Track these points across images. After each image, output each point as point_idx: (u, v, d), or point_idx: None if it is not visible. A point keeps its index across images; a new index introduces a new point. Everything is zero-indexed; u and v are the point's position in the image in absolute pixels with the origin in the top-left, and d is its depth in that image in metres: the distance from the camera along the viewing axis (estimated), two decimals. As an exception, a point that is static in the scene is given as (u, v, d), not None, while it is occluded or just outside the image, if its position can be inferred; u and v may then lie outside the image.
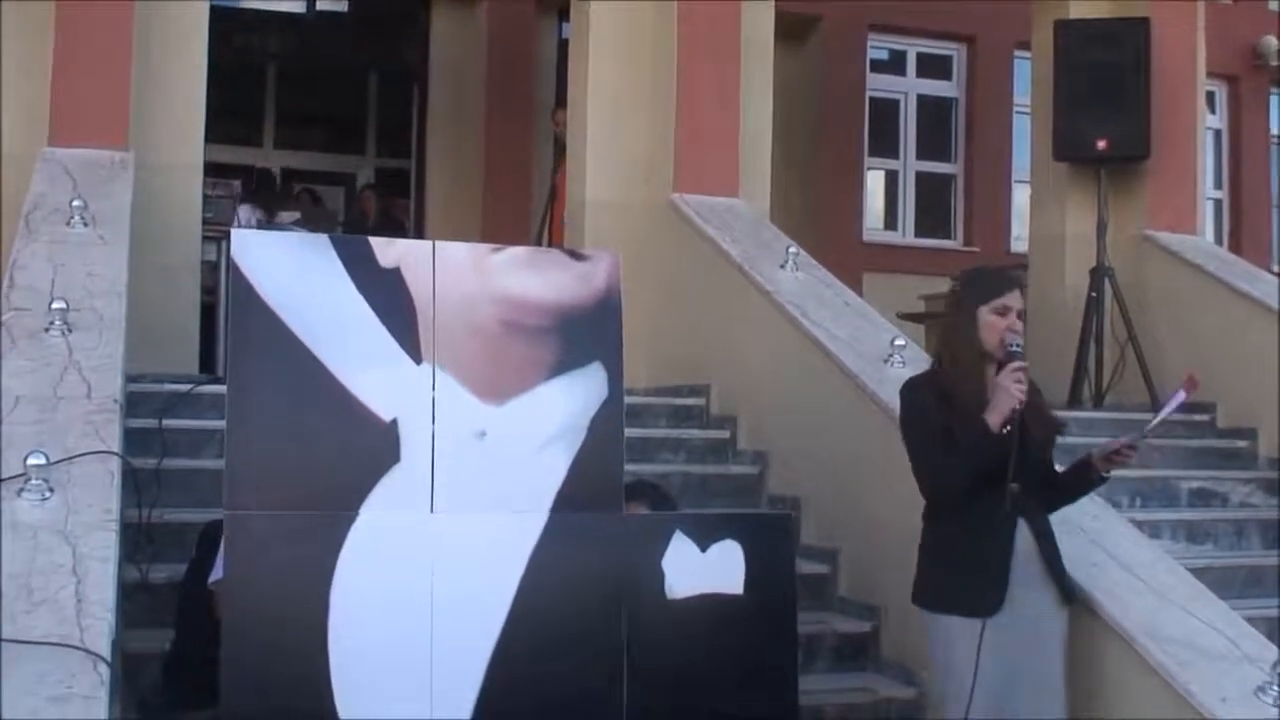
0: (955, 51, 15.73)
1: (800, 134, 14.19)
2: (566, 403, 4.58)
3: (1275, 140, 16.59)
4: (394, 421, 4.39)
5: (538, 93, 13.64)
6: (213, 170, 9.73)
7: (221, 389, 5.07)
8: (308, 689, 4.18)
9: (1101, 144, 9.57)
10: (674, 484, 6.86)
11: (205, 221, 8.65)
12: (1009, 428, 4.41)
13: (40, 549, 4.17)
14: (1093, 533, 5.19)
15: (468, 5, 14.03)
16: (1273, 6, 16.04)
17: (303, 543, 4.28)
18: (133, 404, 6.08)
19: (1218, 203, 16.02)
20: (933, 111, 15.78)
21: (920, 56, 15.78)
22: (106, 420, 4.91)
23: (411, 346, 4.46)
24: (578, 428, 4.58)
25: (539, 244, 9.98)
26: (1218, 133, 16.10)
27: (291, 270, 4.44)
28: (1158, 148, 9.63)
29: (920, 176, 15.68)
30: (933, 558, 4.63)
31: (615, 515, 4.64)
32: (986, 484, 4.36)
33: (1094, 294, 9.52)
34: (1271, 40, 15.88)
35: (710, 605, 4.68)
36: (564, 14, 11.92)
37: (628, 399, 4.99)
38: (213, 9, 8.42)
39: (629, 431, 4.92)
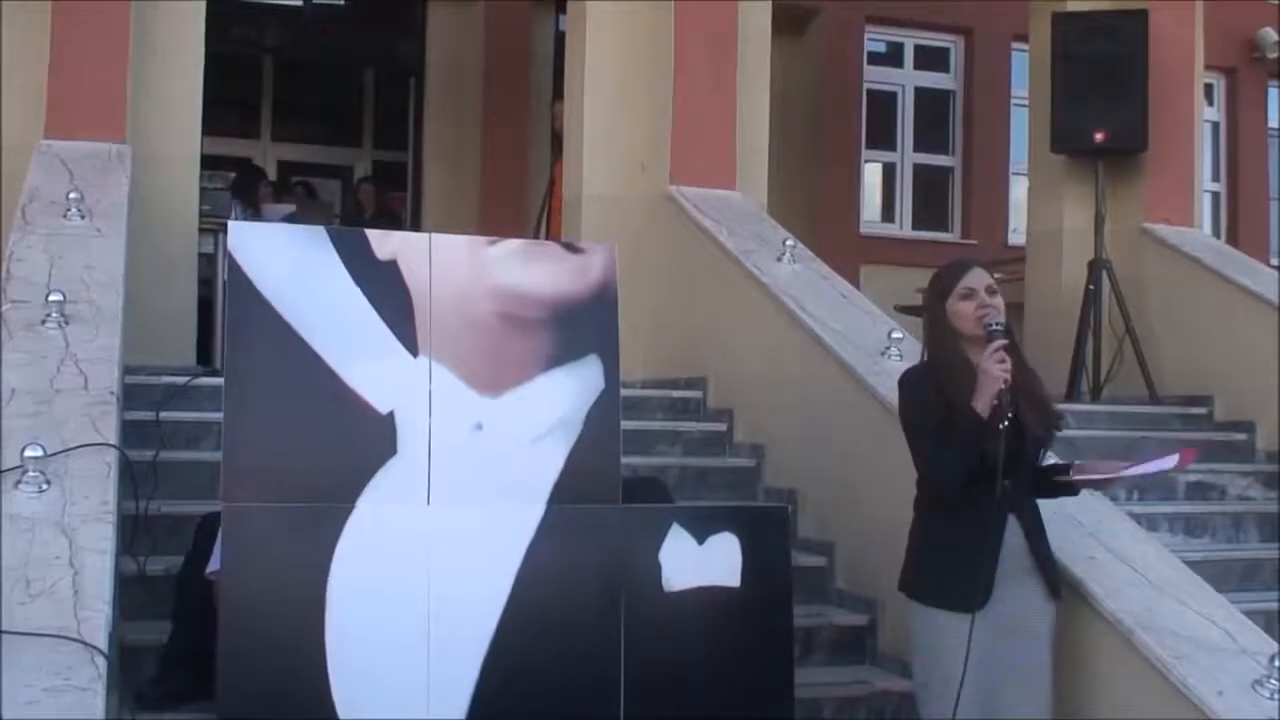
0: (953, 44, 15.72)
1: (798, 126, 14.18)
2: (563, 395, 4.59)
3: (1273, 133, 16.57)
4: (391, 414, 4.40)
5: (535, 85, 13.62)
6: (210, 163, 9.71)
7: (219, 381, 5.08)
8: (305, 680, 4.19)
9: (1099, 136, 9.56)
10: (671, 476, 6.86)
11: (202, 214, 8.63)
12: (1005, 422, 4.41)
13: (37, 541, 4.17)
14: (1090, 525, 5.19)
15: (465, -3, 14.04)
16: (1271, -1, 16.05)
17: (300, 535, 4.29)
18: (130, 396, 6.07)
19: (1215, 195, 16.01)
20: (930, 104, 15.76)
21: (918, 49, 15.76)
22: (103, 412, 4.90)
23: (408, 339, 4.47)
24: (574, 420, 4.59)
25: (536, 236, 9.97)
26: (1216, 125, 16.09)
27: (288, 263, 4.45)
28: (1156, 140, 9.63)
29: (918, 169, 15.66)
30: (921, 549, 4.62)
31: (612, 507, 4.64)
32: (983, 476, 4.35)
33: (1092, 287, 9.51)
34: (1270, 33, 15.86)
35: (707, 598, 4.69)
36: (561, 6, 11.92)
37: (624, 391, 4.99)
38: (210, 1, 8.40)
39: (626, 424, 4.92)
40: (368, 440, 4.38)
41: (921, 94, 15.73)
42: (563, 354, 4.62)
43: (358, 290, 4.47)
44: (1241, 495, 8.09)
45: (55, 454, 4.53)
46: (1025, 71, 10.95)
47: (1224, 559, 7.10)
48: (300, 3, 14.42)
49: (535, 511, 4.50)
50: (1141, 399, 9.14)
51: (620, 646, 4.52)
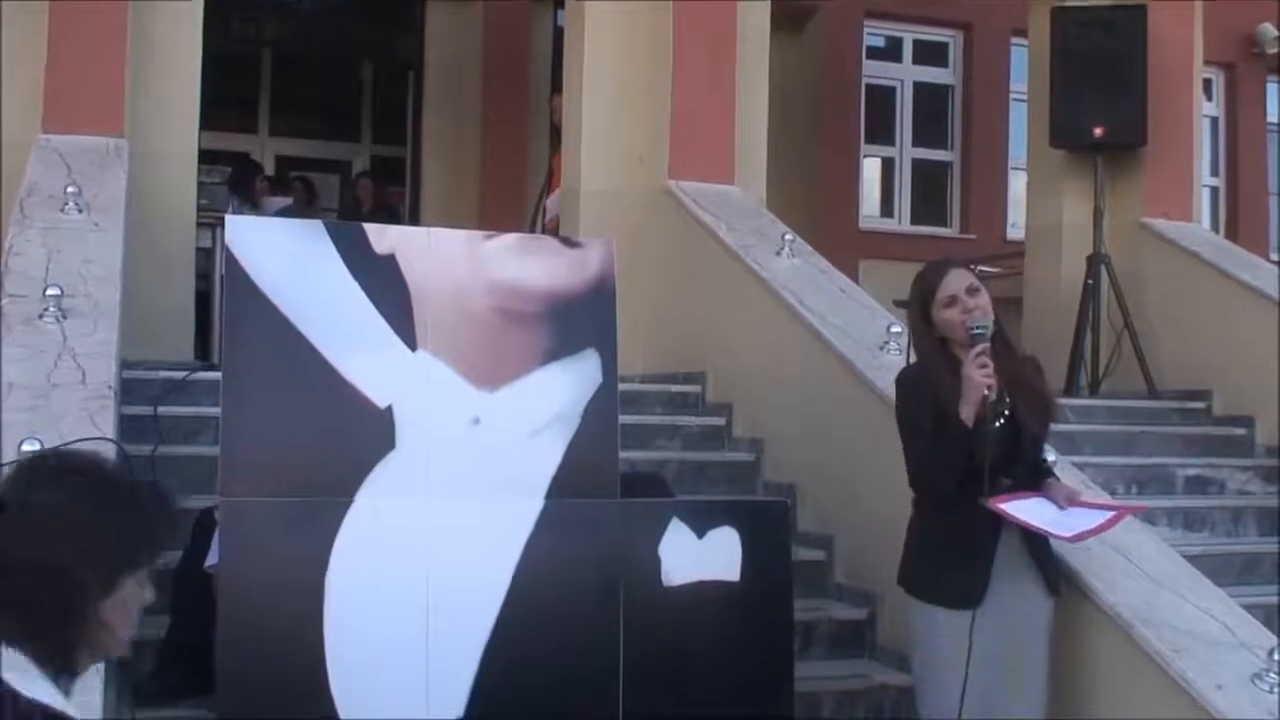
0: (952, 39, 15.71)
1: (796, 121, 14.16)
2: (561, 389, 4.59)
3: (1272, 128, 16.56)
4: (389, 408, 4.40)
5: (533, 79, 13.61)
6: (208, 157, 9.71)
7: (217, 376, 5.07)
8: (304, 674, 4.19)
9: (1098, 131, 9.56)
10: (670, 471, 6.86)
11: (200, 208, 8.63)
12: (1000, 420, 4.41)
13: (35, 536, 4.15)
14: (1089, 519, 5.18)
15: (463, -8, 14.03)
16: (1270, -7, 16.04)
17: (298, 529, 4.28)
18: (128, 391, 6.07)
19: (1214, 191, 16.00)
20: (929, 99, 15.75)
21: (917, 44, 15.75)
22: (101, 407, 4.90)
23: (406, 333, 4.47)
24: (572, 414, 4.59)
25: (533, 229, 9.97)
26: (1215, 120, 16.08)
27: (286, 257, 4.44)
28: (1155, 135, 9.63)
29: (917, 164, 15.65)
30: (919, 546, 4.62)
31: (611, 502, 4.64)
32: (974, 479, 4.34)
33: (1090, 281, 9.52)
34: (1269, 28, 15.85)
35: (706, 592, 4.68)
36: (560, 1, 11.90)
37: (623, 386, 4.99)
38: (208, -4, 8.41)
39: (624, 418, 4.92)
40: (366, 434, 4.37)
41: (920, 89, 15.72)
42: (561, 348, 4.62)
43: (356, 284, 4.46)
44: (1240, 490, 8.10)
45: (53, 448, 4.52)
46: (1024, 66, 10.95)
47: (1223, 553, 7.10)
48: (299, -3, 14.43)
49: (534, 506, 4.49)
50: (1140, 394, 9.13)
51: (619, 641, 4.52)
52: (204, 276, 8.99)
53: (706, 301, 8.10)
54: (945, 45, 15.76)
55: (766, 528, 4.92)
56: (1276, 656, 4.50)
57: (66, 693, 2.27)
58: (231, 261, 4.36)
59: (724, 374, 7.87)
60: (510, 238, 4.82)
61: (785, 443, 7.19)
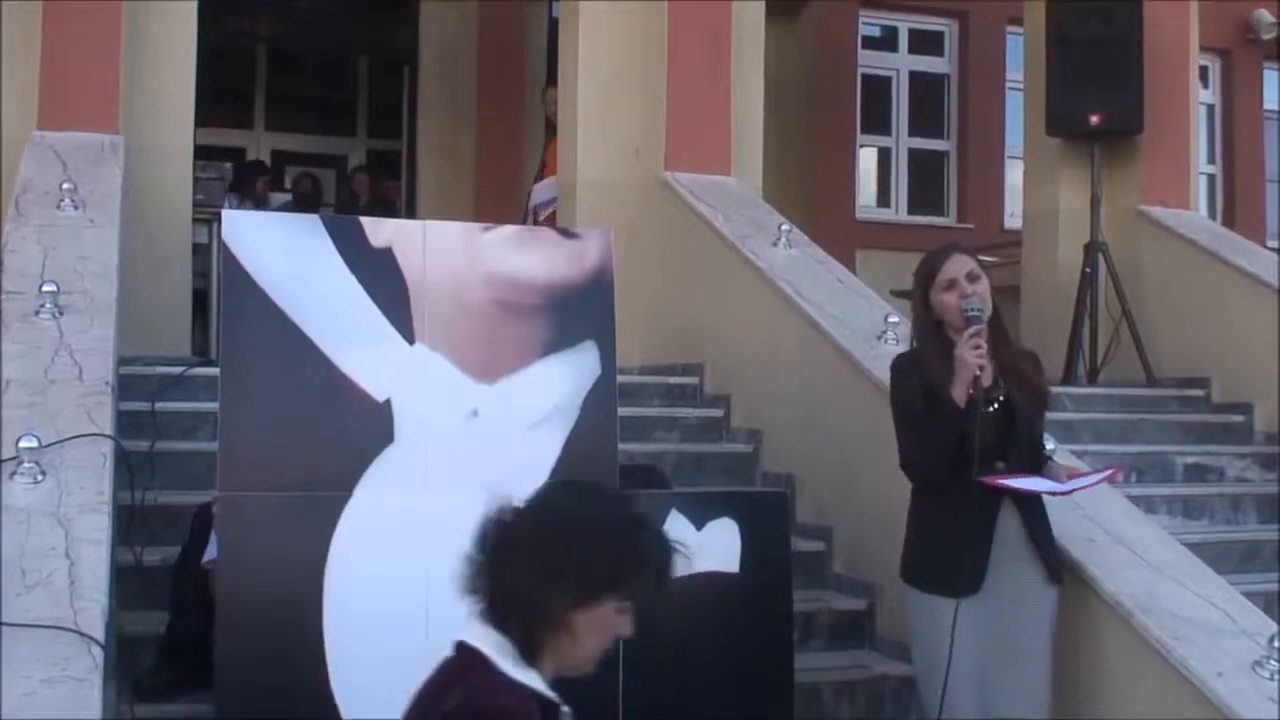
0: (947, 27, 15.69)
1: (792, 111, 14.13)
2: (560, 381, 4.58)
3: (1269, 115, 16.55)
4: (387, 401, 4.40)
5: (529, 72, 13.59)
6: (203, 153, 9.69)
7: (214, 371, 5.08)
8: (303, 669, 4.19)
9: (1095, 119, 9.54)
10: (668, 462, 6.86)
11: (196, 204, 8.61)
12: (995, 406, 4.43)
13: (33, 532, 4.16)
14: (1088, 508, 5.18)
15: (457, -14, 14.01)
16: (1265, -20, 16.03)
17: (297, 523, 4.28)
18: (125, 387, 6.06)
19: (1211, 178, 15.99)
20: (925, 88, 15.72)
21: (912, 33, 15.72)
22: (98, 403, 4.89)
23: (404, 326, 4.46)
24: (571, 406, 4.58)
25: (525, 220, 9.97)
26: (1211, 108, 16.06)
27: (283, 251, 4.44)
28: (1151, 123, 9.61)
29: (913, 153, 15.63)
30: (916, 535, 4.63)
31: (610, 494, 4.63)
32: (966, 463, 4.34)
33: (1088, 269, 9.50)
34: (1264, 14, 15.83)
35: (706, 583, 4.68)
36: (555, -7, 11.90)
37: (621, 378, 4.99)
38: (203, -9, 8.40)
39: (623, 410, 4.92)
40: (364, 428, 4.37)
41: (916, 78, 15.70)
42: (559, 340, 4.61)
43: (353, 278, 4.46)
44: (1240, 477, 8.09)
45: (50, 445, 4.52)
46: (1020, 55, 10.91)
47: (1222, 541, 7.10)
48: (294, -9, 14.42)
49: (533, 498, 4.49)
50: (1139, 381, 9.13)
51: (619, 633, 4.51)
52: (201, 275, 8.98)
53: (704, 293, 8.09)
54: (941, 34, 15.74)
55: (765, 519, 4.92)
56: (1277, 644, 4.50)
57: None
58: (229, 256, 4.35)
59: (722, 365, 7.87)
60: (507, 229, 4.82)
61: (783, 433, 7.19)
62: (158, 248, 7.85)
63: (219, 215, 5.84)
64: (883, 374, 5.91)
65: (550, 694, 2.62)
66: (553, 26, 11.86)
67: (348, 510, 4.30)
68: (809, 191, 14.21)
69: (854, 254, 12.91)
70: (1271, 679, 4.44)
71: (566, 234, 5.01)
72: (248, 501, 4.27)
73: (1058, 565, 4.59)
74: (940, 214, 15.49)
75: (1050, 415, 4.75)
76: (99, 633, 3.77)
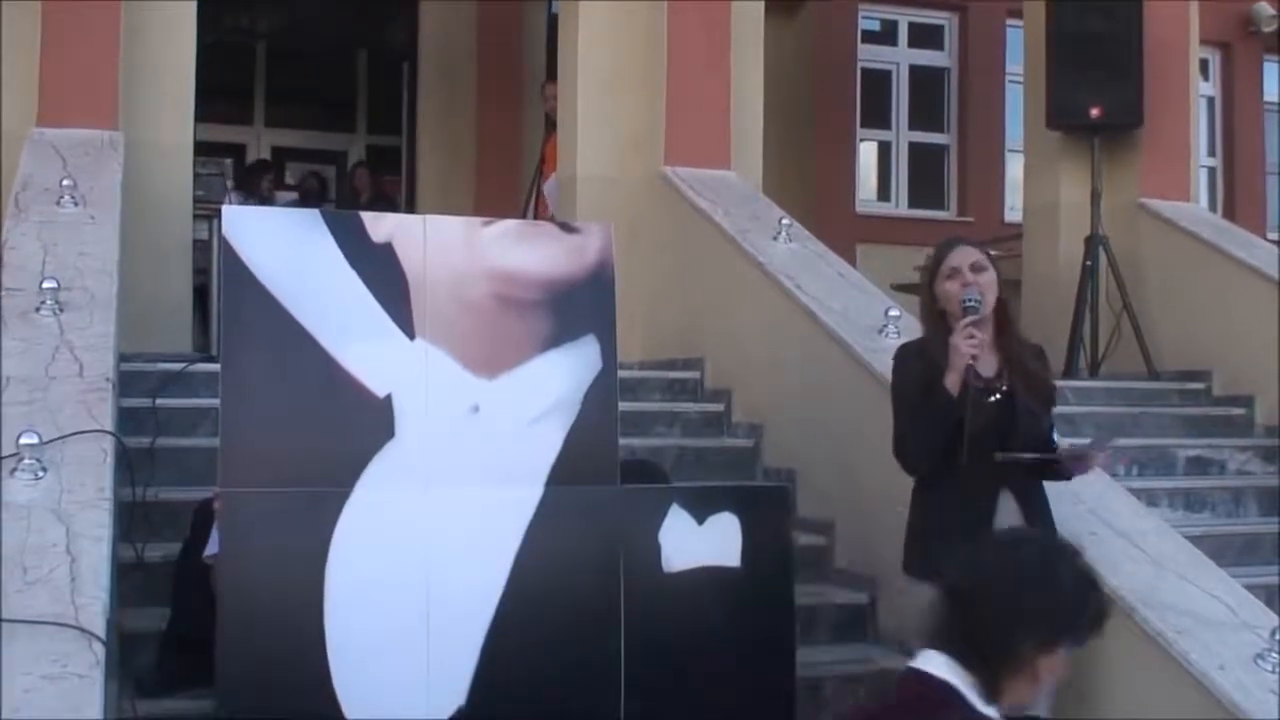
0: (947, 21, 15.68)
1: (792, 105, 14.13)
2: (560, 376, 4.57)
3: (1269, 107, 16.55)
4: (388, 397, 4.39)
5: (528, 67, 13.59)
6: (203, 149, 9.69)
7: (214, 367, 5.08)
8: (304, 665, 4.18)
9: (1095, 112, 9.53)
10: (669, 457, 6.86)
11: (196, 200, 8.61)
12: (997, 396, 4.44)
13: (34, 529, 4.16)
14: (1090, 501, 5.19)
15: (457, -19, 13.99)
16: (1265, -27, 16.01)
17: (298, 519, 4.27)
18: (126, 383, 6.06)
19: (1211, 171, 15.98)
20: (925, 82, 15.73)
21: (912, 26, 15.72)
22: (99, 399, 4.89)
23: (404, 321, 4.45)
24: (572, 401, 4.57)
25: (526, 214, 9.98)
26: (1211, 100, 16.06)
27: (283, 246, 4.43)
28: (1151, 115, 9.61)
29: (913, 147, 15.64)
30: (916, 527, 4.66)
31: (611, 488, 4.63)
32: (957, 453, 4.35)
33: (1089, 262, 9.50)
34: (1264, 7, 15.82)
35: (707, 578, 4.68)
36: (554, -14, 11.89)
37: (622, 373, 4.99)
38: (202, -13, 8.40)
39: (623, 405, 4.91)
40: (365, 424, 4.36)
41: (916, 72, 15.70)
42: (560, 335, 4.60)
43: (353, 273, 4.45)
44: (1241, 470, 8.10)
45: (51, 441, 4.52)
46: (1020, 48, 10.90)
47: (1224, 534, 7.11)
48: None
49: (534, 493, 4.48)
50: (1140, 374, 9.13)
51: (620, 627, 4.51)
52: (202, 271, 8.98)
53: (704, 287, 8.09)
54: (940, 27, 15.74)
55: (766, 513, 4.92)
56: (1278, 637, 4.50)
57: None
58: (229, 252, 4.34)
59: (723, 360, 7.87)
60: (508, 224, 4.81)
61: (784, 428, 7.19)
62: (158, 244, 7.86)
63: (219, 211, 5.84)
64: (884, 368, 5.92)
65: None
66: (552, 22, 11.85)
67: (348, 506, 4.29)
68: (809, 186, 14.21)
69: (854, 248, 12.92)
70: (1273, 672, 4.44)
71: (567, 229, 5.00)
72: (249, 497, 4.26)
73: (1061, 561, 4.58)
74: (941, 208, 15.50)
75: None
76: (100, 629, 3.77)
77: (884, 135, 15.59)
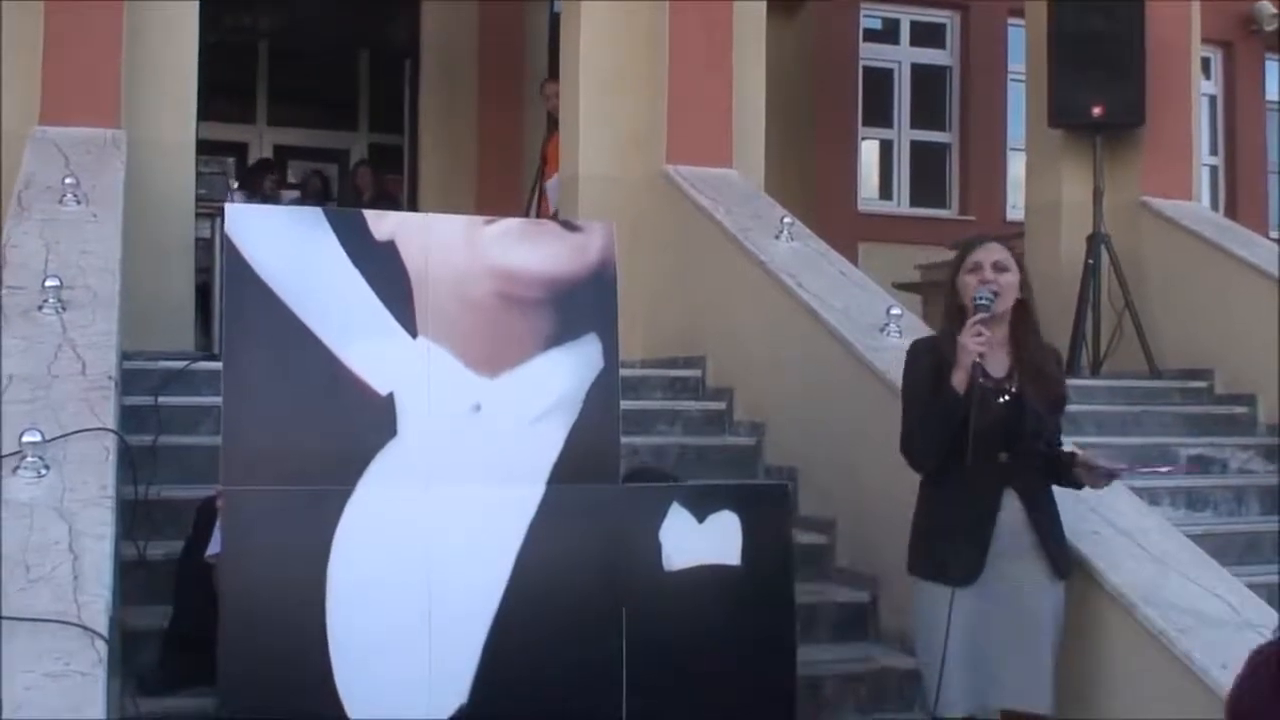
0: (949, 19, 15.68)
1: (794, 104, 14.13)
2: (562, 375, 4.58)
3: (1271, 106, 16.55)
4: (390, 395, 4.39)
5: (529, 66, 13.58)
6: (206, 148, 9.70)
7: (216, 366, 5.07)
8: (306, 663, 4.18)
9: (1097, 110, 9.54)
10: (670, 456, 6.87)
11: (198, 198, 8.62)
12: (1005, 396, 4.44)
13: (36, 527, 4.16)
14: (1092, 500, 5.17)
15: (459, -21, 14.00)
16: (1266, -28, 16.00)
17: (300, 518, 4.28)
18: (128, 381, 6.06)
19: (1213, 169, 15.98)
20: (927, 80, 15.72)
21: (914, 25, 15.72)
22: (101, 397, 4.89)
23: (406, 320, 4.46)
24: (574, 400, 4.58)
25: (528, 214, 9.98)
26: (1213, 99, 16.06)
27: (286, 244, 4.43)
28: (1153, 114, 9.61)
29: (915, 146, 15.63)
30: (920, 526, 4.64)
31: (613, 487, 4.63)
32: (962, 451, 4.35)
33: (1091, 261, 9.51)
34: (1266, 5, 15.82)
35: (708, 576, 4.68)
36: (556, -14, 11.89)
37: (623, 371, 4.99)
38: (205, -15, 8.40)
39: (625, 404, 4.91)
40: (367, 422, 4.37)
41: (918, 70, 15.70)
42: (562, 333, 4.61)
43: (356, 271, 4.45)
44: (1243, 469, 8.09)
45: (53, 439, 4.52)
46: (1022, 46, 10.89)
47: (1226, 532, 7.11)
48: (295, -14, 14.41)
49: (535, 492, 4.49)
50: (1141, 373, 9.13)
51: (621, 626, 4.52)
52: (204, 270, 8.98)
53: (706, 286, 8.09)
54: (942, 26, 15.73)
55: (767, 512, 4.92)
56: (1280, 635, 4.49)
57: None
58: (231, 250, 4.35)
59: (724, 358, 7.87)
60: (510, 222, 4.81)
61: (786, 426, 7.18)
62: (160, 242, 7.86)
63: (221, 210, 5.84)
64: (885, 366, 5.95)
65: None
66: (553, 21, 11.87)
67: (350, 504, 4.29)
68: (811, 184, 14.21)
69: (856, 246, 12.91)
70: (1275, 670, 4.43)
71: (569, 227, 5.00)
72: (251, 496, 4.26)
73: (1065, 561, 4.57)
74: (942, 206, 15.50)
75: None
76: (102, 627, 3.77)
77: (886, 134, 15.58)
